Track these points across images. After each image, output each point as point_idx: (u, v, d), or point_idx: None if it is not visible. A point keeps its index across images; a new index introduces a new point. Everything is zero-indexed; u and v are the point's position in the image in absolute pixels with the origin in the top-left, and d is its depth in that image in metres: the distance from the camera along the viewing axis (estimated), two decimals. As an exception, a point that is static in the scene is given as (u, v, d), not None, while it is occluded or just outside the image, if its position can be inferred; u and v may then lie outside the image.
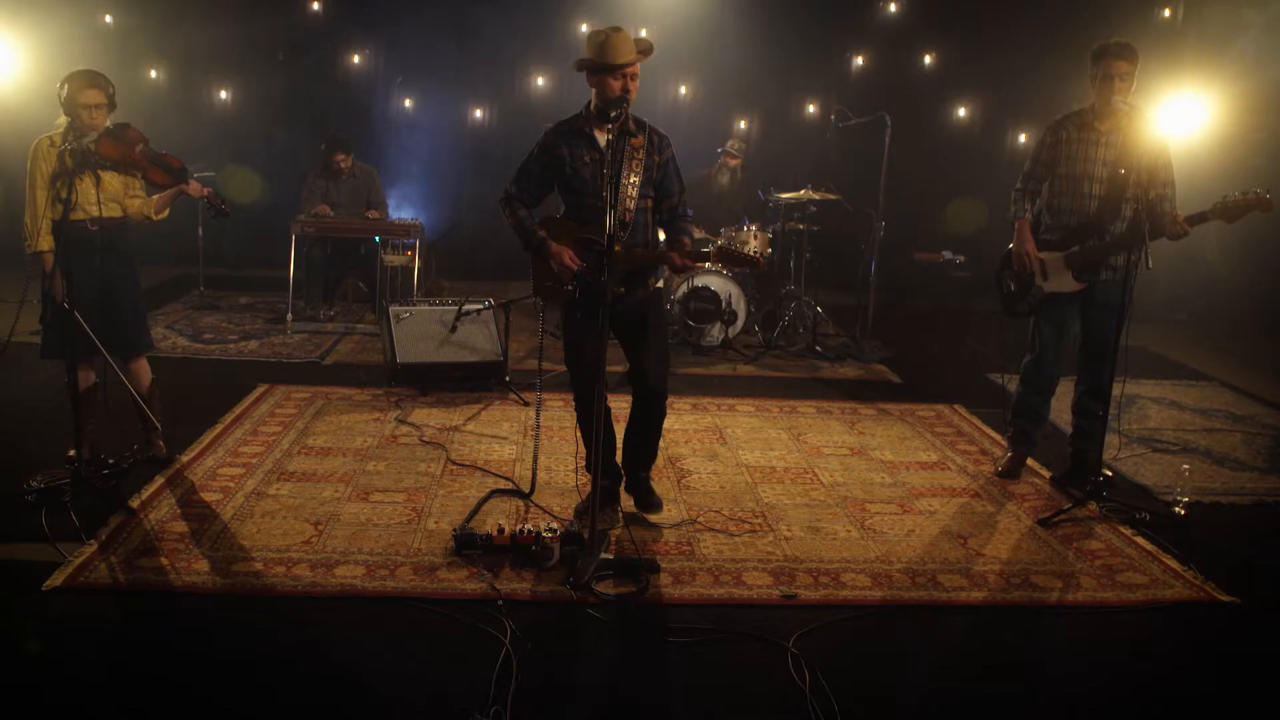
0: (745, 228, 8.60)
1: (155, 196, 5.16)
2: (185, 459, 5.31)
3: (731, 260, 4.65)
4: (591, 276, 4.46)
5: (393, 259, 8.82)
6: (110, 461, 5.06)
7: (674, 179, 4.64)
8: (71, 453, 4.88)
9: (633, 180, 4.46)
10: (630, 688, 3.53)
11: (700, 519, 4.87)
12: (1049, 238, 5.39)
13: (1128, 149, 5.12)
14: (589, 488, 4.34)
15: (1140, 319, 9.83)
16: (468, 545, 4.36)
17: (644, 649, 3.76)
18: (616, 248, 4.21)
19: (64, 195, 4.70)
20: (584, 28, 11.29)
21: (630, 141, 4.43)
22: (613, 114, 4.24)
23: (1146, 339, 9.27)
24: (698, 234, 8.89)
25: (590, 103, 4.53)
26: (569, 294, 4.57)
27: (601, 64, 4.34)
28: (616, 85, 4.35)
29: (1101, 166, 5.21)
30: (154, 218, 5.18)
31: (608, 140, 4.41)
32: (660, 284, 4.80)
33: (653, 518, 4.84)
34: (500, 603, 3.94)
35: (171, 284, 9.92)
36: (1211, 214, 4.93)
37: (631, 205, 4.47)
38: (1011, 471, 5.65)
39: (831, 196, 8.64)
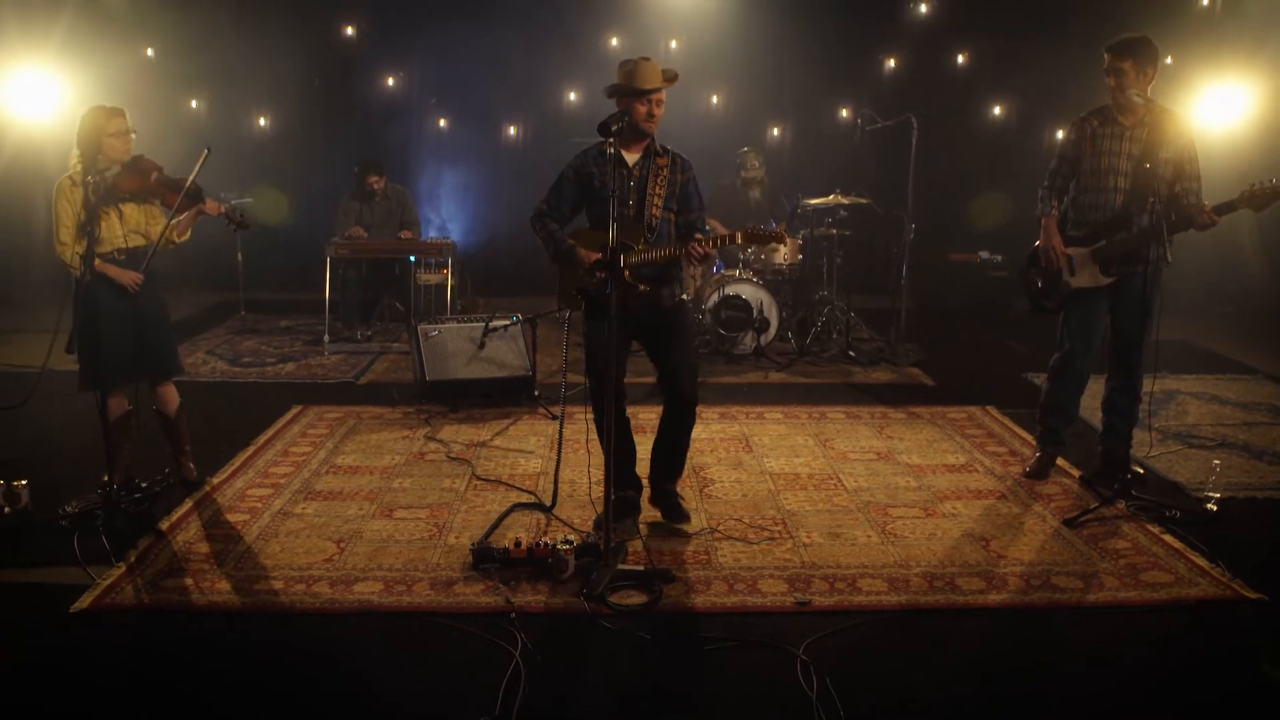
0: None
1: (178, 222, 5.29)
2: (216, 481, 5.42)
3: (757, 240, 4.82)
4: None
5: (427, 278, 8.94)
6: (143, 485, 5.19)
7: (695, 197, 4.92)
8: (105, 478, 5.00)
9: (658, 192, 4.73)
10: (636, 698, 3.54)
11: (720, 528, 4.87)
12: (1076, 234, 5.35)
13: (1153, 143, 5.07)
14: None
15: (1183, 312, 9.72)
16: (485, 559, 4.41)
17: (653, 659, 3.76)
18: (640, 248, 4.64)
19: (89, 230, 4.82)
20: (614, 42, 11.38)
21: (656, 160, 4.77)
22: (613, 127, 4.29)
23: (1190, 332, 9.12)
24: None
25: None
26: (597, 285, 4.64)
27: (630, 89, 4.61)
28: (643, 110, 4.61)
29: (1126, 160, 5.17)
30: (178, 240, 5.31)
31: (636, 160, 4.74)
32: (686, 296, 5.02)
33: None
34: (513, 615, 3.97)
35: (214, 309, 10.13)
36: (1239, 203, 4.88)
37: (658, 213, 4.74)
38: (1039, 472, 5.59)
39: (861, 200, 8.61)
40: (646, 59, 4.67)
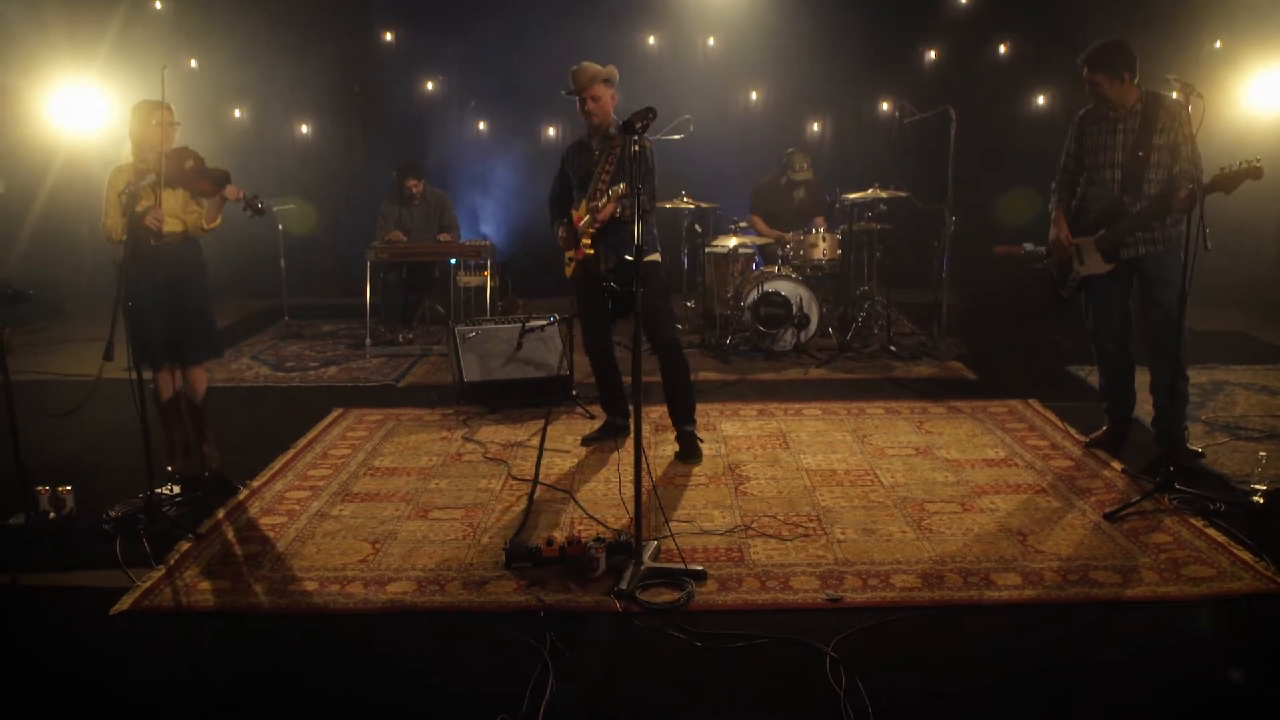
0: (813, 230, 8.58)
1: (205, 208, 5.45)
2: (256, 484, 5.49)
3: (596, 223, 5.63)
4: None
5: (467, 280, 9.00)
6: (177, 495, 5.26)
7: (641, 165, 5.20)
8: (170, 467, 5.11)
9: (606, 169, 5.60)
10: (663, 696, 3.52)
11: (754, 525, 4.85)
12: (1084, 222, 5.60)
13: (1145, 131, 5.31)
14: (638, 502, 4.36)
15: (1234, 303, 9.54)
16: (518, 558, 4.43)
17: (682, 657, 3.73)
18: (586, 221, 5.68)
19: (130, 211, 5.03)
20: (651, 40, 11.39)
21: (610, 143, 5.64)
22: (637, 125, 4.40)
23: (1240, 323, 8.95)
24: (762, 240, 8.93)
25: None
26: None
27: (570, 90, 5.59)
28: (578, 105, 5.60)
29: (1120, 152, 5.41)
30: (208, 227, 5.49)
31: (597, 144, 5.70)
32: (655, 257, 5.72)
33: (694, 472, 5.59)
34: (542, 614, 3.99)
35: (259, 316, 10.29)
36: (1210, 187, 4.97)
37: (603, 189, 5.57)
38: (1098, 441, 5.88)
39: (901, 194, 8.54)
40: (579, 65, 5.54)
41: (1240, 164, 4.88)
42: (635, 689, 3.58)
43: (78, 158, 9.74)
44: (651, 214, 5.60)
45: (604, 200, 5.53)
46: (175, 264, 5.34)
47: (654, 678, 3.63)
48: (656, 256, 5.76)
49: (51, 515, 4.93)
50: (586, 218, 5.63)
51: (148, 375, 5.10)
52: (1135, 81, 5.30)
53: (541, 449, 5.41)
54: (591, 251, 5.68)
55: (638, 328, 4.34)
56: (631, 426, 4.53)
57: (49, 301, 9.96)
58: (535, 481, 5.24)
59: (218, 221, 5.48)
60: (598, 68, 5.55)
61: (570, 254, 5.83)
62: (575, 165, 5.80)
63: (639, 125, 4.32)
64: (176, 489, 5.25)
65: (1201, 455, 5.62)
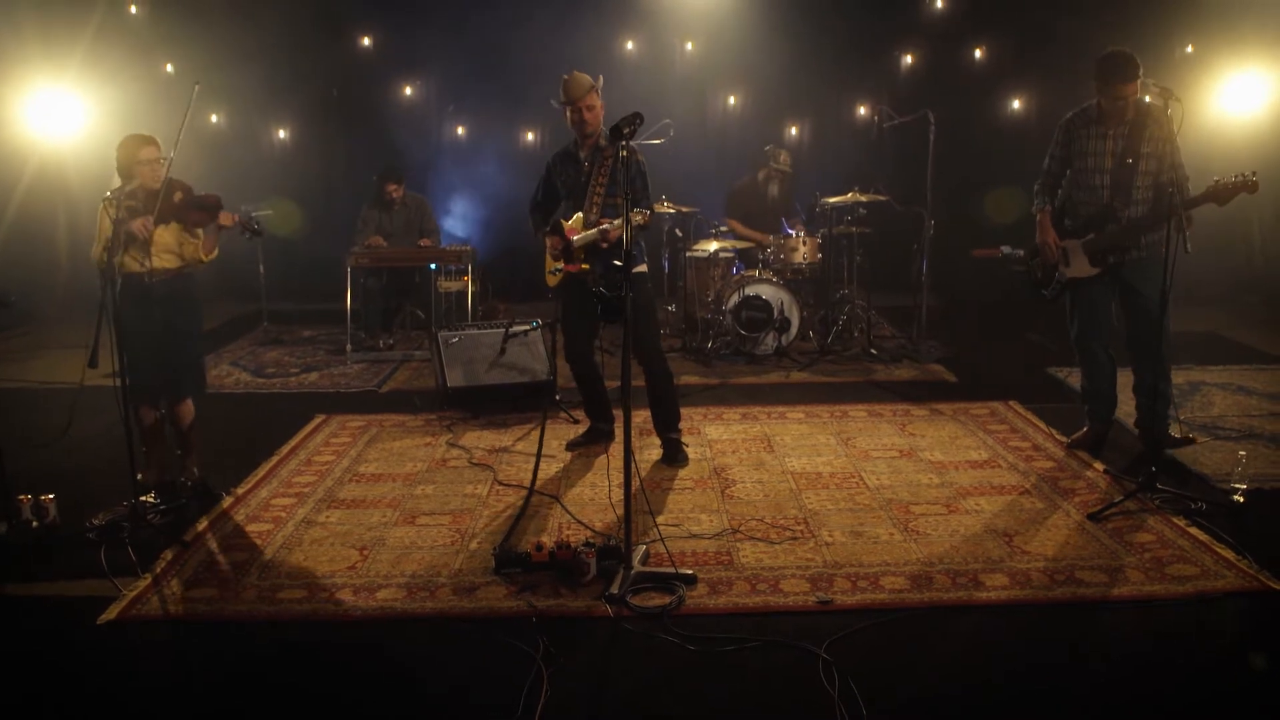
0: (794, 234, 8.62)
1: (203, 239, 5.36)
2: (240, 491, 5.46)
3: (597, 241, 5.55)
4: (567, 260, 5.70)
5: (448, 285, 8.98)
6: (160, 503, 5.22)
7: (636, 180, 5.44)
8: (140, 476, 5.08)
9: (600, 181, 5.58)
10: (657, 700, 3.53)
11: (741, 528, 4.86)
12: (1071, 225, 5.64)
13: (1134, 139, 5.36)
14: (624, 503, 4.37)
15: (1209, 303, 9.65)
16: (507, 564, 4.42)
17: (675, 661, 3.74)
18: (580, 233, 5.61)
19: (113, 246, 4.97)
20: (630, 45, 11.40)
21: (603, 153, 5.60)
22: (625, 130, 4.37)
23: (1216, 324, 9.04)
24: (743, 244, 8.95)
25: None
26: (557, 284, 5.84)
27: (563, 100, 5.57)
28: (571, 116, 5.56)
29: (1110, 159, 5.46)
30: (206, 258, 5.41)
31: (586, 155, 5.66)
32: (642, 268, 5.70)
33: (681, 470, 5.71)
34: (534, 619, 3.99)
35: (237, 321, 10.22)
36: (1203, 198, 5.08)
37: (599, 200, 5.59)
38: (1080, 443, 5.90)
39: (880, 197, 8.59)
40: (571, 75, 5.51)
41: (1235, 177, 4.93)
42: (629, 693, 3.59)
43: (52, 163, 9.66)
44: (649, 226, 5.64)
45: (619, 224, 5.24)
46: (170, 300, 5.26)
47: (648, 681, 3.64)
48: (644, 268, 5.75)
49: (34, 524, 4.88)
50: (593, 234, 5.51)
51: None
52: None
53: (539, 454, 5.40)
54: (587, 267, 5.60)
55: (626, 333, 4.36)
56: (620, 431, 4.52)
57: (25, 307, 9.86)
58: (531, 490, 5.26)
59: (215, 253, 5.42)
60: (588, 77, 5.52)
61: (559, 265, 5.72)
62: (564, 175, 5.76)
63: (626, 131, 4.33)
64: (151, 497, 5.20)
65: (1193, 440, 5.76)
